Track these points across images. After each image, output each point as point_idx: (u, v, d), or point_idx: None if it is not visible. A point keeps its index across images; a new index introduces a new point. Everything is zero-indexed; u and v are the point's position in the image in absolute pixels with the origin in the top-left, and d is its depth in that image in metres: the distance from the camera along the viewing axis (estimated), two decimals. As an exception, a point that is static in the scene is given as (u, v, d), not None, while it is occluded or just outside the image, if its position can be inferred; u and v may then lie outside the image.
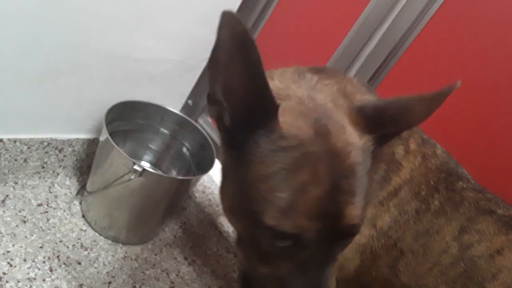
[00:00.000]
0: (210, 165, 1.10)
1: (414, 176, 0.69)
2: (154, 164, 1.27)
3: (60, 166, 1.12)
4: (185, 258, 1.17)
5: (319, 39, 1.09)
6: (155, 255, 1.13)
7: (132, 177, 0.93)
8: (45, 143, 1.03)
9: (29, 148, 1.01)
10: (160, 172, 1.23)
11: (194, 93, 1.29)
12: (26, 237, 0.96)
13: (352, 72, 1.03)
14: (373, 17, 0.98)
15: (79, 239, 1.04)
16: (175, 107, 1.24)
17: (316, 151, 0.49)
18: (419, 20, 0.93)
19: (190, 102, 1.31)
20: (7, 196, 1.02)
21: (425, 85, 0.94)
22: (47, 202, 1.07)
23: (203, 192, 1.31)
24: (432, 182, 0.69)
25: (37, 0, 0.78)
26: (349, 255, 0.68)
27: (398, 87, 0.99)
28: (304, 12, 1.12)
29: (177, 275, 1.11)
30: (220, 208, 1.29)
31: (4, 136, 0.95)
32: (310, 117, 0.52)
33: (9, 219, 0.97)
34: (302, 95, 0.56)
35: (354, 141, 0.53)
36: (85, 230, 1.07)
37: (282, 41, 1.17)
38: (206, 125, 1.31)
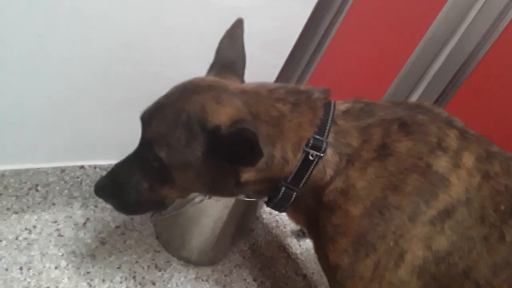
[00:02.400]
0: (277, 187, 1.10)
1: (473, 198, 0.62)
2: (222, 186, 1.30)
3: (135, 189, 1.18)
4: (254, 280, 1.17)
5: (383, 60, 1.08)
6: (225, 276, 1.14)
7: (203, 199, 0.96)
8: (122, 168, 1.09)
9: (107, 173, 1.07)
10: (228, 194, 1.26)
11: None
12: (105, 258, 1.01)
13: (419, 91, 1.00)
14: (440, 33, 0.95)
15: (153, 260, 1.08)
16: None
17: None
18: (489, 35, 0.90)
19: (255, 124, 1.33)
20: (88, 219, 1.08)
21: (496, 103, 0.89)
22: (124, 224, 1.12)
23: (270, 213, 1.31)
24: (503, 207, 0.61)
25: (115, 37, 0.84)
26: (404, 277, 0.62)
27: (469, 106, 0.94)
28: (370, 29, 1.11)
29: (247, 296, 1.12)
30: (288, 229, 1.29)
31: (85, 163, 1.02)
32: None
33: (89, 240, 1.03)
34: None
35: None
36: (159, 251, 1.11)
37: (344, 64, 1.16)
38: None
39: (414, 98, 1.01)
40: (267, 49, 1.10)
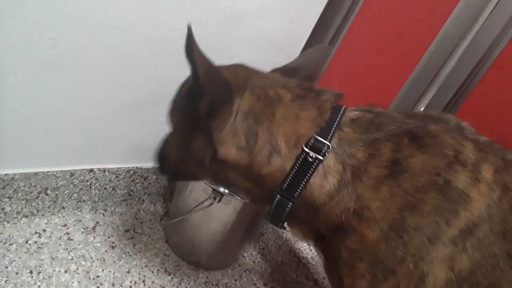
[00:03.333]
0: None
1: (494, 213, 0.58)
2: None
3: (145, 193, 1.18)
4: (265, 285, 1.16)
5: (393, 63, 1.06)
6: (235, 280, 1.13)
7: (212, 203, 0.95)
8: (132, 172, 1.09)
9: (117, 177, 1.07)
10: (237, 197, 1.25)
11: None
12: (114, 262, 1.01)
13: (430, 95, 0.99)
14: (452, 33, 0.94)
15: (163, 264, 1.07)
16: (251, 133, 1.25)
17: None
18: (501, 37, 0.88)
19: (265, 127, 1.32)
20: (97, 223, 1.08)
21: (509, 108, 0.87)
22: (134, 228, 1.12)
23: (281, 217, 1.30)
24: None
25: (123, 40, 0.83)
26: None
27: (480, 110, 0.92)
28: (380, 31, 1.10)
29: (257, 301, 1.11)
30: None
31: (95, 166, 1.02)
32: None
33: (99, 244, 1.03)
34: None
35: None
36: (168, 255, 1.10)
37: (354, 66, 1.15)
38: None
39: (424, 102, 0.99)
40: (278, 51, 1.09)
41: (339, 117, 0.64)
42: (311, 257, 1.23)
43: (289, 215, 0.66)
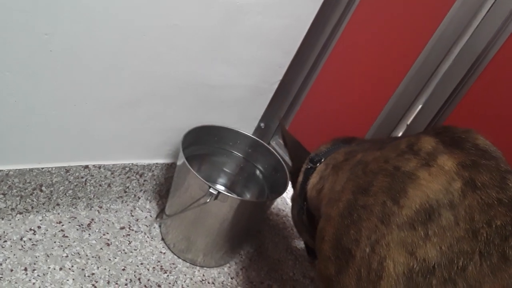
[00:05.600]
0: (283, 188, 1.09)
1: (457, 204, 0.54)
2: (228, 187, 1.29)
3: (141, 190, 1.17)
4: (261, 283, 1.16)
5: (392, 58, 1.06)
6: (232, 278, 1.13)
7: (208, 200, 0.95)
8: (127, 169, 1.08)
9: (112, 173, 1.06)
10: (234, 195, 1.24)
11: (266, 116, 1.30)
12: (109, 259, 1.00)
13: (424, 97, 0.99)
14: (449, 33, 0.93)
15: (159, 261, 1.06)
16: (248, 131, 1.25)
17: None
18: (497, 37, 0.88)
19: (262, 125, 1.32)
20: (92, 220, 1.07)
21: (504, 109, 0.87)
22: (129, 225, 1.11)
23: (277, 215, 1.30)
24: (499, 223, 0.51)
25: (119, 34, 0.83)
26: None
27: (476, 110, 0.92)
28: (378, 27, 1.09)
29: (253, 299, 1.10)
30: (295, 231, 1.27)
31: (90, 163, 1.01)
32: None
33: (94, 242, 1.02)
34: None
35: None
36: (164, 253, 1.09)
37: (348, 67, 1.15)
38: (279, 147, 1.32)
39: (422, 100, 0.99)
40: (274, 48, 1.09)
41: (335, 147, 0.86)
42: (304, 246, 1.22)
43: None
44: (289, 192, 1.06)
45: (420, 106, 1.01)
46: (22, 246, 0.93)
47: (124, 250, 1.04)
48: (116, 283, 0.96)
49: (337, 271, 0.61)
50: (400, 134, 1.04)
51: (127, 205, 1.16)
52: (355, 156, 0.73)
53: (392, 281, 0.54)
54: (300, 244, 1.24)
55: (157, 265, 1.05)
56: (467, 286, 0.50)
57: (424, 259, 0.53)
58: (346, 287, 0.59)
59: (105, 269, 0.98)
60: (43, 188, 0.97)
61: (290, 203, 1.17)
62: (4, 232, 0.94)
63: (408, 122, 1.03)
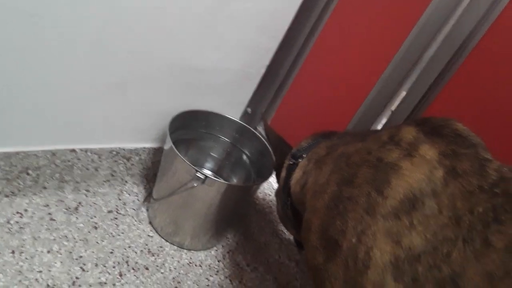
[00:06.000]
0: (269, 172, 1.10)
1: (440, 192, 0.56)
2: (215, 172, 1.30)
3: (128, 174, 1.17)
4: (248, 265, 1.17)
5: (379, 44, 1.07)
6: (218, 261, 1.14)
7: (195, 184, 0.96)
8: (114, 152, 1.08)
9: (99, 157, 1.06)
10: (221, 180, 1.25)
11: (253, 101, 1.30)
12: (97, 242, 1.01)
13: (408, 84, 1.00)
14: (434, 19, 0.95)
15: (146, 245, 1.07)
16: (235, 115, 1.26)
17: None
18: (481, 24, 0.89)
19: (249, 110, 1.32)
20: (79, 203, 1.07)
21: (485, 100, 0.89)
22: (117, 209, 1.12)
23: (264, 199, 1.31)
24: (481, 209, 0.52)
25: (106, 15, 0.82)
26: (376, 278, 0.56)
27: (457, 100, 0.94)
28: (366, 13, 1.10)
29: (240, 281, 1.12)
30: (281, 215, 1.29)
31: (77, 146, 1.01)
32: None
33: (81, 225, 1.03)
34: None
35: None
36: (152, 236, 1.10)
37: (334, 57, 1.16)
38: (271, 127, 1.33)
39: (407, 85, 1.01)
40: (261, 33, 1.09)
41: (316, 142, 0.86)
42: (293, 238, 1.24)
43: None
44: (275, 176, 1.07)
45: (404, 93, 1.02)
46: (9, 229, 0.93)
47: (111, 233, 1.05)
48: (104, 266, 0.97)
49: (325, 261, 0.62)
50: (384, 121, 1.06)
51: (115, 188, 1.17)
52: (337, 149, 0.74)
53: (379, 269, 0.55)
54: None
55: (145, 248, 1.06)
56: (452, 271, 0.51)
57: (409, 247, 0.54)
58: (334, 276, 0.60)
59: (93, 252, 0.98)
60: (29, 171, 0.97)
61: (276, 187, 1.19)
62: (-10, 215, 0.94)
63: (393, 109, 1.05)
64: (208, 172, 1.29)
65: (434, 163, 0.58)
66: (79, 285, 0.91)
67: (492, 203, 0.52)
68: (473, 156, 0.58)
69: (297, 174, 0.82)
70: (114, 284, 0.95)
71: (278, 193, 0.93)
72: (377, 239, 0.57)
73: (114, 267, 0.98)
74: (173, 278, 1.04)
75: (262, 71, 1.22)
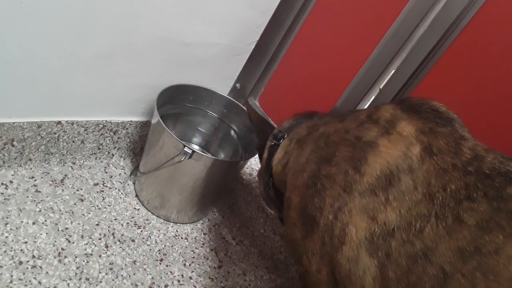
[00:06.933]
0: (257, 148, 1.11)
1: (416, 169, 0.56)
2: (203, 147, 1.30)
3: (115, 147, 1.17)
4: (233, 238, 1.19)
5: (368, 23, 1.07)
6: (204, 234, 1.16)
7: (182, 159, 0.96)
8: (101, 125, 1.08)
9: (86, 130, 1.06)
10: (209, 155, 1.26)
11: (242, 77, 1.30)
12: (83, 214, 1.01)
13: (398, 62, 1.00)
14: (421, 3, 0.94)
15: (132, 217, 1.08)
16: (223, 91, 1.25)
17: None
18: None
19: (238, 85, 1.32)
20: (65, 175, 1.07)
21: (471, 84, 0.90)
22: (103, 181, 1.12)
23: (250, 174, 1.32)
24: (453, 187, 0.53)
25: (93, -13, 0.80)
26: (351, 254, 0.57)
27: (446, 79, 0.95)
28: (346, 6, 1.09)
29: (225, 254, 1.14)
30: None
31: (63, 119, 1.00)
32: None
33: (67, 197, 1.03)
34: None
35: None
36: (138, 209, 1.11)
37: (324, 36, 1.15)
38: (254, 108, 1.32)
39: (395, 64, 1.01)
40: (251, 7, 1.08)
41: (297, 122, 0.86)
42: (277, 216, 1.26)
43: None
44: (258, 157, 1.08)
45: (393, 71, 1.02)
46: (-6, 200, 0.93)
47: (98, 205, 1.05)
48: (90, 238, 0.98)
49: (302, 236, 0.64)
50: (372, 98, 1.06)
51: (101, 162, 1.16)
52: (317, 129, 0.75)
53: (354, 245, 0.57)
54: (272, 203, 1.27)
55: (131, 221, 1.07)
56: (424, 246, 0.52)
57: (384, 222, 0.56)
58: (311, 251, 0.63)
59: (78, 223, 0.99)
60: (14, 143, 0.96)
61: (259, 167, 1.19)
62: (-25, 186, 0.93)
63: (381, 86, 1.05)
64: (195, 147, 1.29)
65: (411, 139, 0.59)
66: (65, 256, 0.91)
67: (465, 181, 0.53)
68: (450, 134, 0.59)
69: (278, 154, 0.83)
70: (100, 256, 0.96)
71: (260, 173, 0.93)
72: (353, 216, 0.58)
73: (100, 239, 0.99)
74: (159, 250, 1.05)
75: (252, 46, 1.21)
